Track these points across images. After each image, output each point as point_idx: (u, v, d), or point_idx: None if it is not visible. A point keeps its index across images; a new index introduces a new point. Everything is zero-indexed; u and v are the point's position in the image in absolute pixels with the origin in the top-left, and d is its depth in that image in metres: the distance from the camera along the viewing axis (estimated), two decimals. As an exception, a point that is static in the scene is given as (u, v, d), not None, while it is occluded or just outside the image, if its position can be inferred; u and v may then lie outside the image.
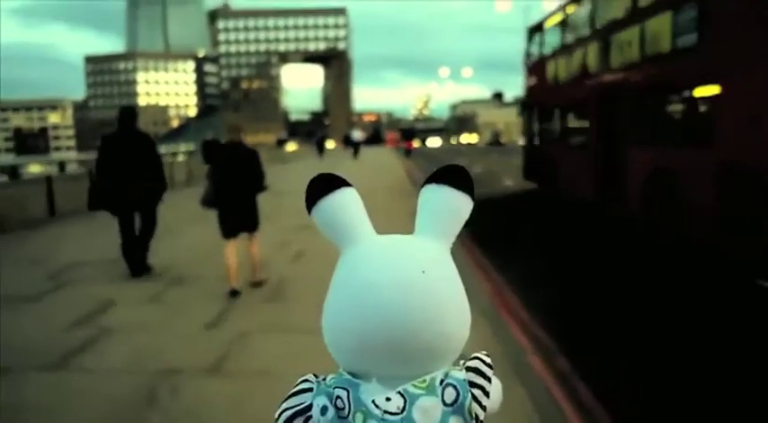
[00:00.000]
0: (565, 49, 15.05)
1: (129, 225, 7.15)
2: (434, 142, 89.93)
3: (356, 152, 41.14)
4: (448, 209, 1.09)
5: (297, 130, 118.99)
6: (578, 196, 13.66)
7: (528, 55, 18.26)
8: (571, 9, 14.62)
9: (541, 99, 17.19)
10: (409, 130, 64.10)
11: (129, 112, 7.31)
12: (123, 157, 6.94)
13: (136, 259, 7.16)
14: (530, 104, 18.46)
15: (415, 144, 71.51)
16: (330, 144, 63.13)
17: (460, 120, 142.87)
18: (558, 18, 15.53)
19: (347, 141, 64.94)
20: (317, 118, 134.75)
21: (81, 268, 7.76)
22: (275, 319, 5.48)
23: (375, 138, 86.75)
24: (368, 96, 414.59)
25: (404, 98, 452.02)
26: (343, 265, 1.07)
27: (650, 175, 10.25)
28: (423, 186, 1.11)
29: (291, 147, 59.09)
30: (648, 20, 10.52)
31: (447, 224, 1.09)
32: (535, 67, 17.62)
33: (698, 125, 9.32)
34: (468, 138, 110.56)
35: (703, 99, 9.24)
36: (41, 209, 12.22)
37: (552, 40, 16.09)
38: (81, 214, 12.78)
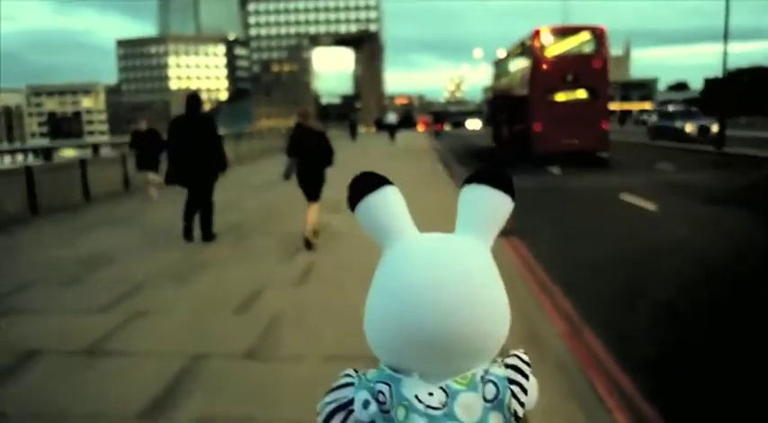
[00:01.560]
0: (501, 74, 31.60)
1: (195, 197, 7.97)
2: (474, 124, 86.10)
3: (392, 136, 38.75)
4: (487, 208, 1.11)
5: (328, 113, 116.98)
6: (507, 146, 28.31)
7: (494, 74, 35.07)
8: (504, 54, 31.29)
9: (494, 98, 34.27)
10: (441, 114, 63.04)
11: (195, 98, 8.15)
12: (190, 137, 7.78)
13: (191, 227, 8.03)
14: (490, 101, 37.94)
15: (447, 127, 69.88)
16: (362, 129, 61.13)
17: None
18: (503, 57, 31.33)
19: (379, 125, 63.13)
20: (349, 101, 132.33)
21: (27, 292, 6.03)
22: (252, 405, 3.63)
23: (407, 121, 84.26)
24: (399, 80, 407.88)
25: (436, 81, 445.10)
26: (385, 263, 1.08)
27: (515, 133, 25.93)
28: (463, 186, 1.13)
29: None
30: (518, 71, 25.74)
31: (486, 223, 1.11)
32: (494, 81, 34.87)
33: (525, 116, 23.40)
34: None
35: (526, 107, 23.35)
36: (20, 206, 10.56)
37: (500, 67, 32.45)
38: (66, 211, 11.17)
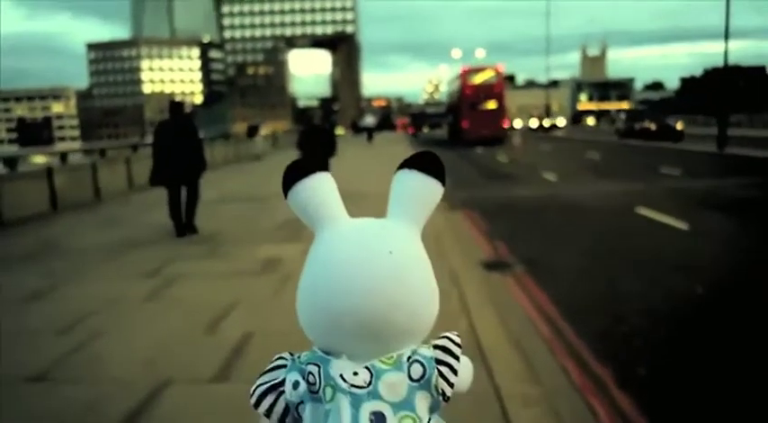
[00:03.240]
0: (450, 91, 53.82)
1: (176, 196, 8.48)
2: None
3: (370, 137, 39.75)
4: (418, 194, 1.12)
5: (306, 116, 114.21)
6: (452, 137, 47.18)
7: (448, 90, 57.24)
8: (452, 77, 54.97)
9: (449, 107, 54.92)
10: (418, 115, 65.44)
11: (178, 104, 8.92)
12: (173, 141, 8.36)
13: (182, 224, 8.53)
14: (449, 109, 54.24)
15: (425, 129, 69.04)
16: (339, 130, 59.26)
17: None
18: (450, 79, 55.98)
19: (355, 127, 61.98)
20: (326, 104, 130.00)
21: None
22: None
23: (385, 123, 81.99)
24: (377, 82, 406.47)
25: (414, 83, 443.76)
26: (315, 247, 1.11)
27: (455, 129, 46.14)
28: (396, 172, 1.14)
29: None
30: (456, 92, 47.41)
31: (417, 208, 1.12)
32: (448, 94, 57.78)
33: (459, 118, 43.74)
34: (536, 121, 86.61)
35: (459, 113, 43.79)
36: None
37: (449, 86, 55.82)
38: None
